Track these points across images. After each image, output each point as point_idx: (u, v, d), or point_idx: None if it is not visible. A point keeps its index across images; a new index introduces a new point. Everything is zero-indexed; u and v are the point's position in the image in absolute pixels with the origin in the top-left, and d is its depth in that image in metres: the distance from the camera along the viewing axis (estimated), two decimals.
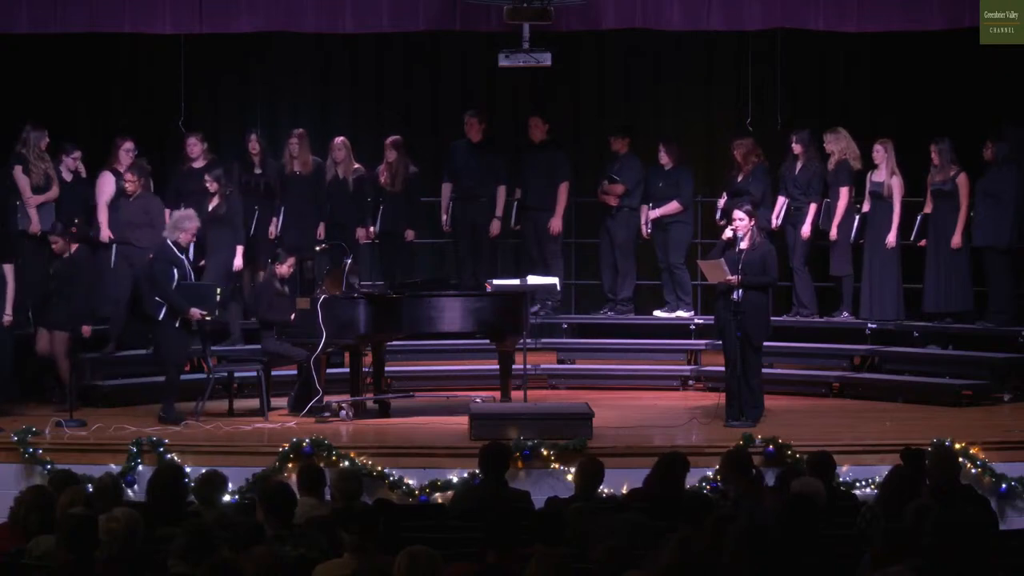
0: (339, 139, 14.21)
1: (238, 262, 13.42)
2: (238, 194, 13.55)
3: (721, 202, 14.14)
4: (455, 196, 14.54)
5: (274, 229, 13.98)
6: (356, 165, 14.17)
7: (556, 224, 14.49)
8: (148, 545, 7.09)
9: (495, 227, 14.47)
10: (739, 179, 14.13)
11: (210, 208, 13.35)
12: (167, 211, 13.03)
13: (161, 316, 12.00)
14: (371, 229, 14.22)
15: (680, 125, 15.70)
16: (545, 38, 13.19)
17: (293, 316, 12.35)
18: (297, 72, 15.83)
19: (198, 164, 13.84)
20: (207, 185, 13.38)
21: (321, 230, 14.05)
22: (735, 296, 11.67)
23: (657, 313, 14.57)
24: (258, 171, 14.03)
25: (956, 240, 13.44)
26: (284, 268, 12.76)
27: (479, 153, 14.44)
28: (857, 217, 13.88)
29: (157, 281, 12.02)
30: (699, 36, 14.65)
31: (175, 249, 12.09)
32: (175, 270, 12.02)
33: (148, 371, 13.60)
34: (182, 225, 12.18)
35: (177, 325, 11.99)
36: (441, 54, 15.89)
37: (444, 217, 14.59)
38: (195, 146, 13.80)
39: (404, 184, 14.18)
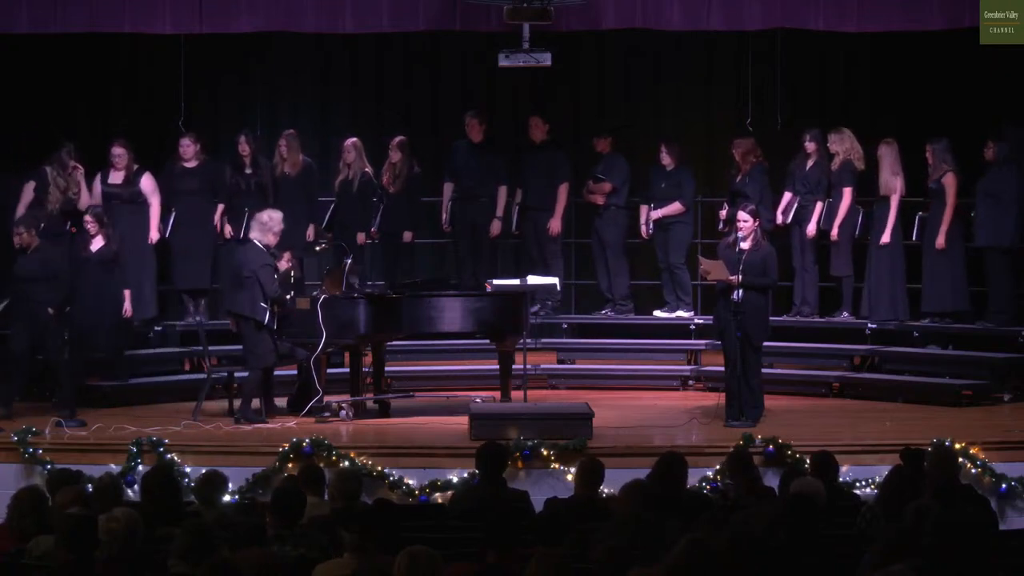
0: (350, 141, 14.18)
1: (128, 307, 12.76)
2: (118, 235, 12.86)
3: (723, 213, 14.15)
4: (455, 196, 14.54)
5: None
6: (367, 168, 14.15)
7: (555, 225, 14.48)
8: (148, 545, 7.09)
9: (495, 227, 14.46)
10: (737, 179, 14.14)
11: (94, 249, 12.71)
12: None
13: (266, 320, 12.01)
14: (372, 230, 14.21)
15: (680, 125, 15.69)
16: (545, 38, 13.19)
17: (290, 297, 12.29)
18: (297, 72, 15.82)
19: (190, 164, 13.84)
20: (87, 226, 12.74)
21: (311, 231, 13.97)
22: (735, 296, 11.67)
23: (657, 313, 14.56)
24: (248, 171, 13.99)
25: (940, 241, 13.42)
26: (283, 263, 12.72)
27: (479, 153, 14.44)
28: (860, 216, 13.86)
29: (264, 285, 11.99)
30: (699, 36, 14.64)
31: (266, 251, 12.14)
32: (274, 273, 12.14)
33: (147, 371, 13.66)
34: (272, 228, 12.22)
35: (265, 326, 12.04)
36: (441, 54, 15.88)
37: (444, 216, 14.59)
38: (188, 147, 13.77)
39: (405, 185, 14.18)
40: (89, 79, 14.95)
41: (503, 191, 14.43)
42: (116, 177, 13.46)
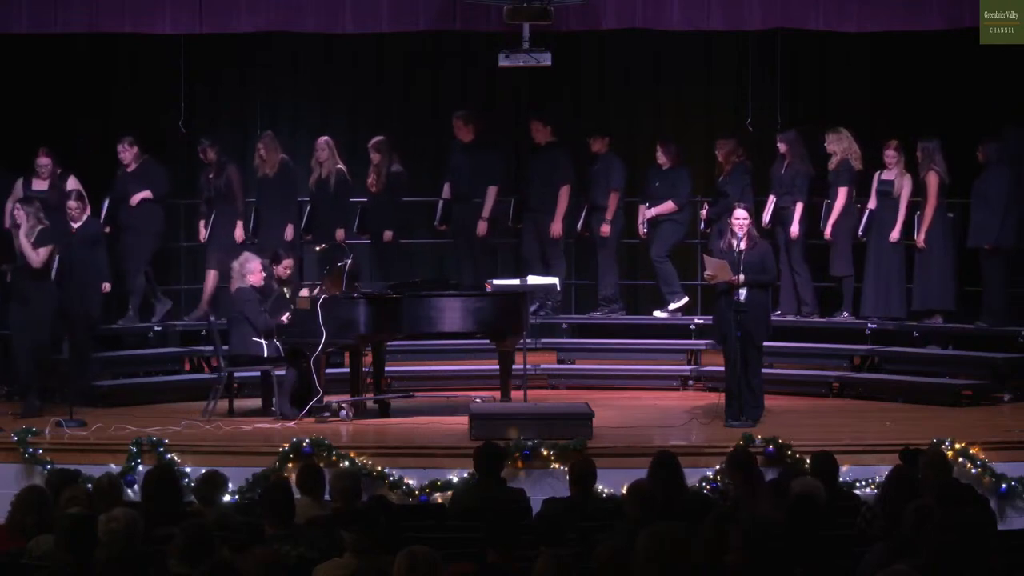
0: (322, 139, 14.15)
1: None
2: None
3: (704, 213, 14.18)
4: (450, 196, 14.53)
5: (240, 232, 13.89)
6: (339, 165, 14.11)
7: (556, 228, 14.43)
8: (148, 545, 7.09)
9: (481, 228, 14.39)
10: (720, 179, 14.17)
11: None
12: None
13: (265, 353, 12.27)
14: (355, 231, 14.18)
15: (680, 125, 15.69)
16: (545, 38, 13.19)
17: (286, 317, 12.34)
18: (297, 72, 15.83)
19: (131, 168, 13.74)
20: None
21: (290, 231, 13.94)
22: (738, 296, 11.66)
23: (657, 313, 14.56)
24: (211, 175, 13.95)
25: (919, 239, 13.44)
26: (281, 269, 12.74)
27: (469, 154, 14.40)
28: (867, 214, 13.85)
29: (252, 322, 12.28)
30: (699, 36, 14.65)
31: (254, 292, 12.35)
32: (260, 305, 12.37)
33: (148, 371, 13.67)
34: (246, 270, 12.41)
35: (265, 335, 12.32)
36: (441, 54, 15.88)
37: (437, 215, 14.59)
38: (126, 152, 13.65)
39: (386, 184, 14.15)
40: (89, 79, 14.95)
41: (492, 191, 14.33)
42: (40, 184, 13.27)
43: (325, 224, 14.05)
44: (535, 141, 14.61)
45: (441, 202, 14.55)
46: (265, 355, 12.31)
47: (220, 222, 13.94)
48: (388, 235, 14.20)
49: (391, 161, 14.17)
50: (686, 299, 14.43)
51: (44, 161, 13.31)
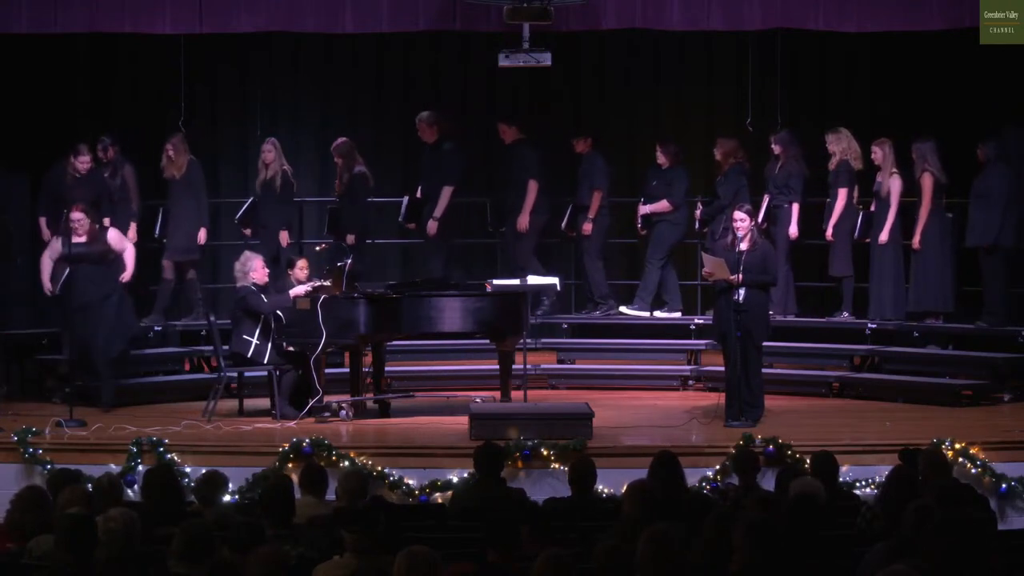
0: (269, 140, 14.11)
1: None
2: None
3: (698, 213, 14.18)
4: (420, 197, 14.50)
5: (133, 234, 13.64)
6: (285, 166, 14.06)
7: (522, 221, 14.33)
8: (148, 545, 7.09)
9: (431, 227, 14.28)
10: (717, 179, 14.18)
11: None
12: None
13: (250, 353, 12.25)
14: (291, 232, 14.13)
15: (680, 125, 15.70)
16: (545, 38, 13.19)
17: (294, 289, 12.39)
18: (297, 72, 15.83)
19: (82, 174, 13.47)
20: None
21: (202, 234, 13.92)
22: (737, 296, 11.66)
23: (657, 313, 14.56)
24: (107, 174, 13.74)
25: (915, 241, 13.44)
26: (298, 271, 12.62)
27: (430, 155, 14.38)
28: (860, 216, 13.87)
29: (256, 309, 12.26)
30: (699, 36, 14.64)
31: (256, 290, 12.34)
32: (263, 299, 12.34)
33: (147, 371, 13.67)
34: (247, 268, 12.39)
35: (260, 334, 12.30)
36: (441, 54, 15.88)
37: (402, 213, 14.58)
38: (86, 162, 13.38)
39: (348, 187, 14.09)
40: (89, 79, 14.94)
41: (446, 191, 14.18)
42: (79, 239, 12.64)
43: (268, 225, 14.00)
44: (504, 142, 14.56)
45: (405, 200, 14.49)
46: (249, 355, 12.27)
47: (113, 222, 13.60)
48: (350, 238, 14.03)
49: (354, 163, 14.07)
50: (647, 313, 14.41)
51: (77, 216, 12.58)
